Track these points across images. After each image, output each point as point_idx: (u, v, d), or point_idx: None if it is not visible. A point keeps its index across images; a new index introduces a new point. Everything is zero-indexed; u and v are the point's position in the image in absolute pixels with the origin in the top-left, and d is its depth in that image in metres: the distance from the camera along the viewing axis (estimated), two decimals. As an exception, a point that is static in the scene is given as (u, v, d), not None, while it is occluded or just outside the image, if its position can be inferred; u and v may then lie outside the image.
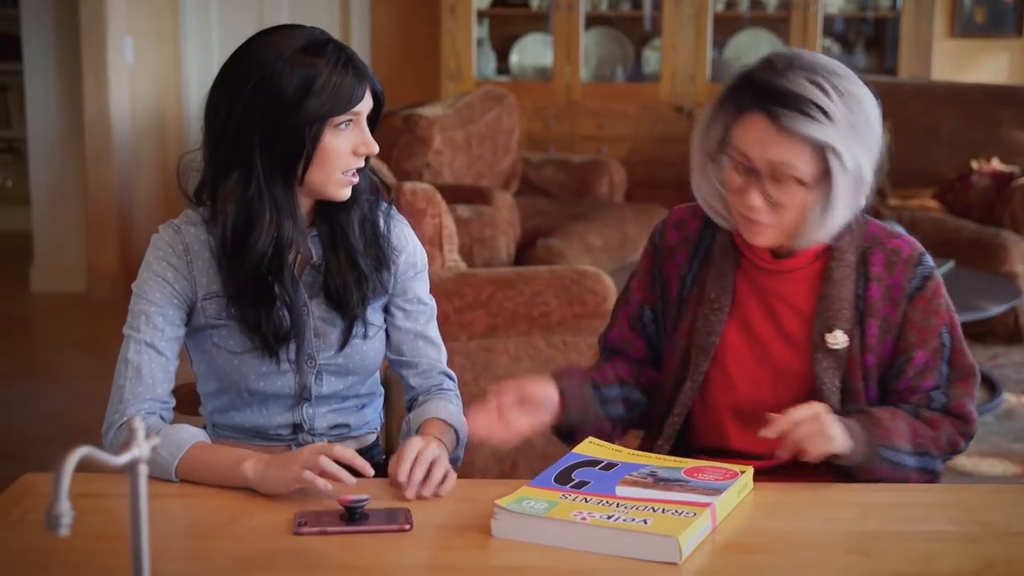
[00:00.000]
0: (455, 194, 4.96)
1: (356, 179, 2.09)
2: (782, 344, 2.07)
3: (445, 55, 7.43)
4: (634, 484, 1.86)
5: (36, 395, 5.30)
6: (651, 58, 7.70)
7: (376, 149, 2.08)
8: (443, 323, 3.85)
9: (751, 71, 2.02)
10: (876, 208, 6.30)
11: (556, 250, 5.53)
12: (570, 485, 1.85)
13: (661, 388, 2.18)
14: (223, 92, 2.06)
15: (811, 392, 2.02)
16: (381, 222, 2.19)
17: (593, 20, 7.63)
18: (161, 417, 2.09)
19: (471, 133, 6.09)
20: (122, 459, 1.23)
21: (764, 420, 1.91)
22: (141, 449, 1.21)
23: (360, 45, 7.93)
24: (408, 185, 3.97)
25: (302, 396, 2.16)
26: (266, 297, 2.07)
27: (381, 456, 2.31)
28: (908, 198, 6.63)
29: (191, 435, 2.01)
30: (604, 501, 1.79)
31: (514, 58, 7.78)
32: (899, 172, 6.81)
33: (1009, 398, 5.22)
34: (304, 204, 2.11)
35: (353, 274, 2.12)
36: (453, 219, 4.19)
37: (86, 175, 6.70)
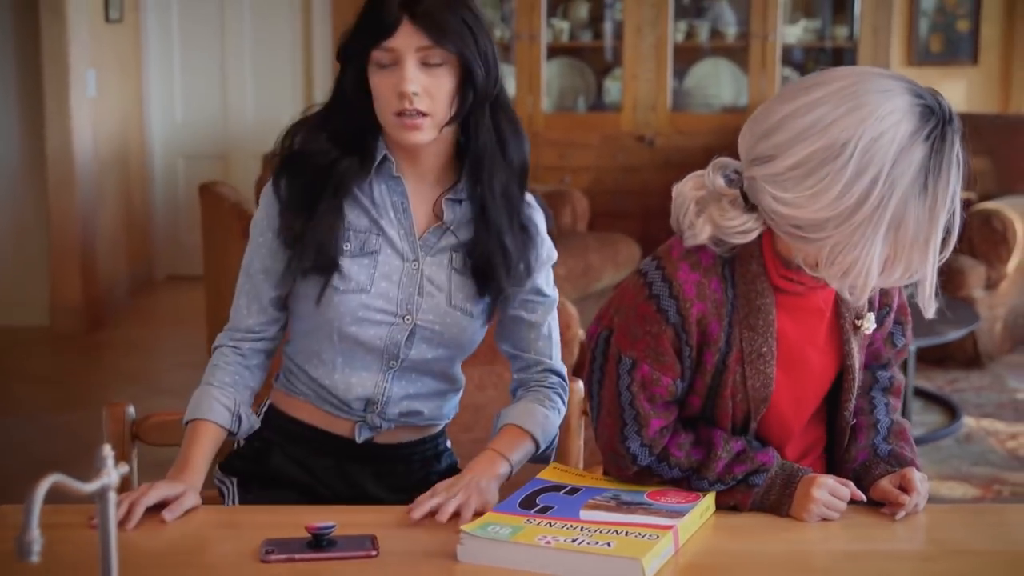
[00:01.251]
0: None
1: (416, 122, 1.98)
2: (818, 353, 1.98)
3: (408, 86, 7.46)
4: (598, 508, 1.88)
5: (1, 429, 5.27)
6: (612, 88, 7.76)
7: (410, 90, 1.95)
8: (408, 352, 3.88)
9: None
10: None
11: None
12: (535, 510, 1.87)
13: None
14: None
15: (836, 380, 2.00)
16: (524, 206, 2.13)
17: (554, 51, 7.69)
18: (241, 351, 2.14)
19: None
20: (92, 486, 1.25)
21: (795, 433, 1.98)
22: (111, 477, 1.22)
23: (323, 76, 7.95)
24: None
25: (390, 357, 2.10)
26: (308, 211, 2.03)
27: (445, 444, 2.27)
28: (867, 225, 6.69)
29: (205, 410, 2.07)
30: (568, 525, 1.81)
31: (476, 89, 7.82)
32: (858, 199, 6.89)
33: (968, 422, 5.28)
34: (425, 152, 2.06)
35: (499, 249, 2.08)
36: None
37: (49, 208, 6.69)
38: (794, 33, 7.75)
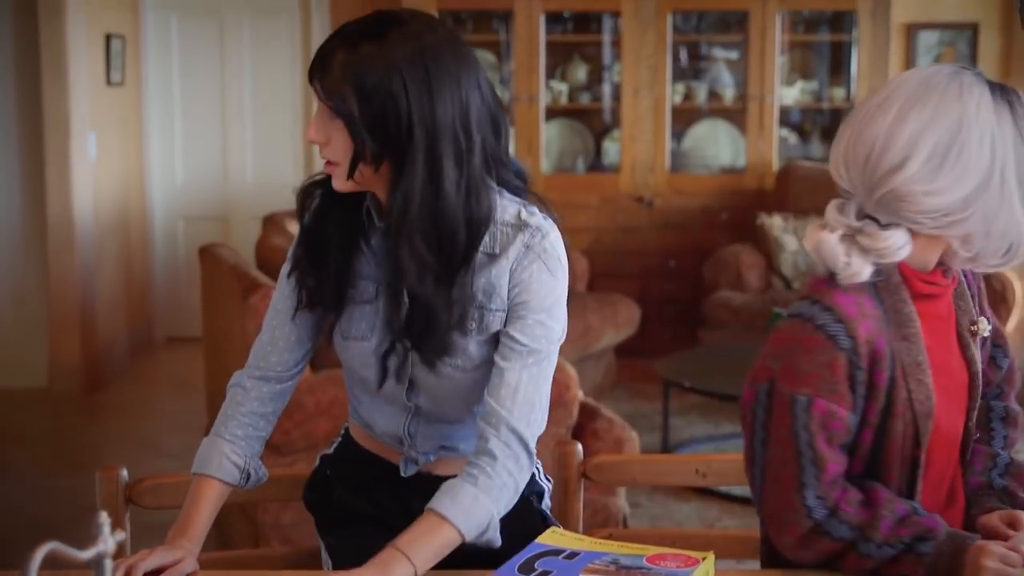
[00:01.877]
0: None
1: (329, 169, 1.95)
2: (955, 360, 1.97)
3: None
4: (597, 572, 1.86)
5: (-4, 492, 5.26)
6: (611, 149, 7.81)
7: (310, 136, 1.94)
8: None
9: None
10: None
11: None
12: (534, 574, 1.85)
13: (887, 472, 1.94)
14: None
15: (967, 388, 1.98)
16: (512, 255, 1.98)
17: (553, 112, 7.74)
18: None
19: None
20: (88, 554, 1.24)
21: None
22: (107, 544, 1.21)
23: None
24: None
25: (403, 402, 2.07)
26: (317, 260, 2.03)
27: (545, 508, 2.18)
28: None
29: (208, 463, 2.06)
30: (567, 590, 1.79)
31: (476, 150, 7.85)
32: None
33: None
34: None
35: (423, 304, 1.96)
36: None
37: (48, 268, 6.70)
38: (791, 94, 7.80)
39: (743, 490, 4.89)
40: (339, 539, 2.16)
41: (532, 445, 1.98)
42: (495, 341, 2.01)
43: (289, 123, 8.08)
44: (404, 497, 2.12)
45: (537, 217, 2.00)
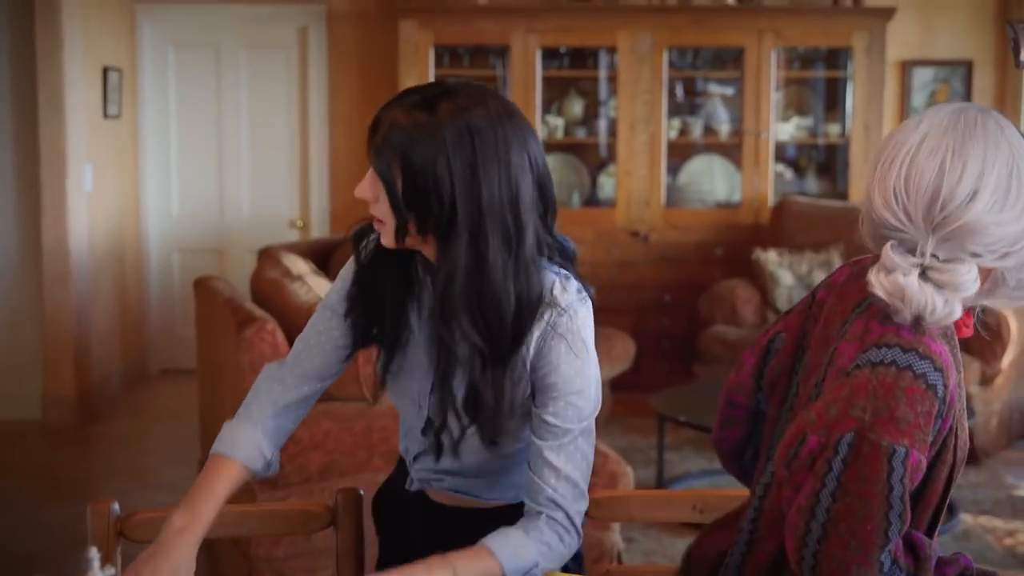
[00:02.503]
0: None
1: (378, 226, 1.97)
2: None
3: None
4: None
5: (-12, 524, 5.23)
6: (607, 184, 7.82)
7: (358, 192, 1.95)
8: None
9: None
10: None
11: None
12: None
13: (921, 515, 1.91)
14: None
15: None
16: (536, 333, 1.98)
17: (549, 147, 7.76)
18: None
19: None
20: (78, 589, 1.23)
21: None
22: (97, 578, 1.21)
23: (319, 172, 8.00)
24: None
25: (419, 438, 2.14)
26: (370, 301, 2.08)
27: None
28: (861, 320, 6.70)
29: (231, 446, 2.09)
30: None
31: (472, 184, 7.87)
32: (852, 295, 6.91)
33: (966, 519, 5.24)
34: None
35: (454, 384, 2.00)
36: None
37: (43, 300, 6.69)
38: (786, 130, 7.83)
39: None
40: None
41: (579, 522, 2.01)
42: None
43: (285, 157, 8.08)
44: (430, 527, 2.20)
45: (570, 295, 1.99)
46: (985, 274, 1.80)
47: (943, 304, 1.76)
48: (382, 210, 1.93)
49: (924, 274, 1.77)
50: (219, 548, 4.37)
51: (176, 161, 8.08)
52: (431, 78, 7.45)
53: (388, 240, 1.95)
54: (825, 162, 8.02)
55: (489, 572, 1.94)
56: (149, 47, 7.98)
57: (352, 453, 3.85)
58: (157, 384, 7.94)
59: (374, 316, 2.07)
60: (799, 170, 8.00)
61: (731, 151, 7.79)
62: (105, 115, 7.24)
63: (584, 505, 2.02)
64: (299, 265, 4.96)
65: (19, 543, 4.96)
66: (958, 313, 1.78)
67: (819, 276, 7.13)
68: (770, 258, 7.15)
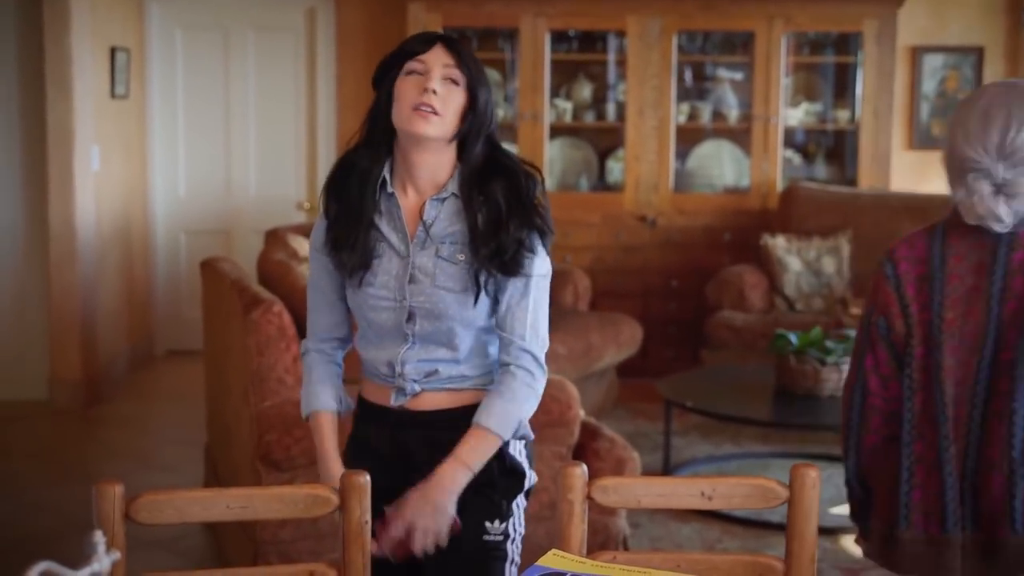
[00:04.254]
0: (420, 302, 4.95)
1: (427, 115, 2.39)
2: None
3: (411, 164, 7.49)
4: (599, 596, 1.84)
5: (-6, 504, 5.23)
6: (615, 168, 7.80)
7: (431, 84, 2.39)
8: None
9: None
10: (838, 317, 6.36)
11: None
12: (535, 597, 1.83)
13: None
14: None
15: None
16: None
17: (557, 131, 7.73)
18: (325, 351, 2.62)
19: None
20: (82, 573, 1.22)
21: None
22: (102, 563, 1.19)
23: (326, 153, 7.99)
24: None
25: (400, 333, 2.47)
26: (345, 233, 2.48)
27: (515, 455, 2.53)
28: (869, 307, 6.68)
29: (314, 402, 2.58)
30: (568, 613, 1.78)
31: (479, 167, 7.85)
32: (860, 281, 6.89)
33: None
34: (415, 158, 2.45)
35: (483, 234, 2.43)
36: (418, 327, 4.19)
37: (50, 282, 6.68)
38: (796, 116, 7.79)
39: (744, 512, 4.87)
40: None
41: (542, 358, 2.47)
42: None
43: (292, 138, 8.07)
44: (392, 432, 2.52)
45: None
46: None
47: (1011, 212, 2.30)
48: (447, 104, 2.40)
49: (998, 191, 2.31)
50: (225, 530, 4.37)
51: (183, 142, 8.06)
52: (439, 61, 7.42)
53: (439, 130, 2.41)
54: (834, 148, 7.99)
55: (492, 446, 2.42)
56: (157, 27, 7.96)
57: (358, 436, 3.84)
58: (163, 365, 7.94)
59: (354, 245, 2.47)
60: (808, 156, 7.97)
61: (740, 136, 7.76)
62: (113, 95, 7.23)
63: (547, 346, 2.49)
64: (306, 247, 4.95)
65: (24, 524, 4.96)
66: None
67: (827, 262, 7.11)
68: (778, 244, 7.13)
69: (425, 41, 2.44)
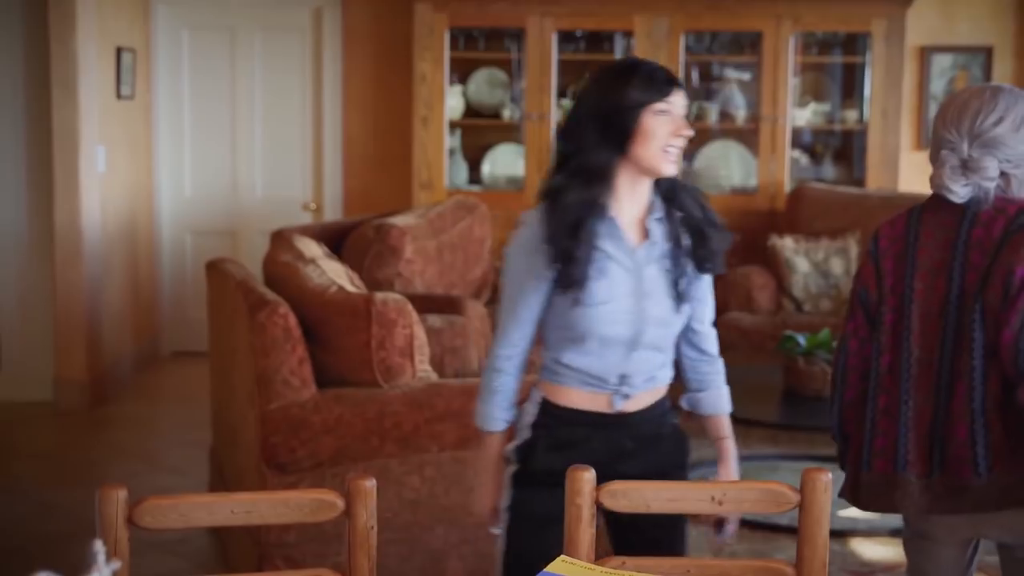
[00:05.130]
0: (426, 304, 4.95)
1: (675, 157, 2.62)
2: None
3: (417, 165, 7.48)
4: (608, 602, 1.82)
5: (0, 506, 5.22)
6: (622, 169, 7.76)
7: (688, 132, 2.62)
8: (413, 434, 3.83)
9: None
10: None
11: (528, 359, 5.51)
12: (543, 604, 1.81)
13: None
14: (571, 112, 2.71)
15: None
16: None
17: (564, 131, 7.69)
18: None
19: (443, 242, 6.10)
20: (82, 581, 1.20)
21: None
22: (101, 573, 1.17)
23: (332, 154, 7.98)
24: (379, 295, 3.96)
25: (632, 343, 2.66)
26: (568, 251, 2.62)
27: (669, 402, 2.82)
28: (878, 308, 6.65)
29: (496, 423, 2.74)
30: (578, 620, 1.75)
31: (486, 168, 7.84)
32: (869, 282, 6.85)
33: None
34: (637, 186, 2.66)
35: (703, 241, 2.72)
36: (424, 329, 4.17)
37: (55, 283, 6.66)
38: (804, 116, 7.77)
39: (754, 516, 4.84)
40: (532, 494, 2.71)
41: None
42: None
43: (299, 139, 8.05)
44: (607, 433, 2.70)
45: None
46: (1007, 179, 2.58)
47: (968, 186, 2.56)
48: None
49: (964, 166, 2.56)
50: (229, 533, 4.35)
51: (189, 143, 8.05)
52: (446, 61, 7.41)
53: (675, 167, 2.65)
54: (842, 148, 7.96)
55: (730, 421, 2.91)
56: (163, 28, 7.94)
57: (364, 439, 3.82)
58: (169, 366, 7.92)
59: (576, 260, 2.60)
60: (816, 156, 7.94)
61: (747, 137, 7.73)
62: (118, 96, 7.21)
63: None
64: (312, 248, 4.93)
65: (30, 526, 4.95)
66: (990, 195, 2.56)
67: (835, 263, 7.07)
68: (786, 245, 7.10)
69: (670, 82, 2.62)
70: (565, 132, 2.71)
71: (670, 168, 2.63)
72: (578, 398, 2.70)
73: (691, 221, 2.72)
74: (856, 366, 2.72)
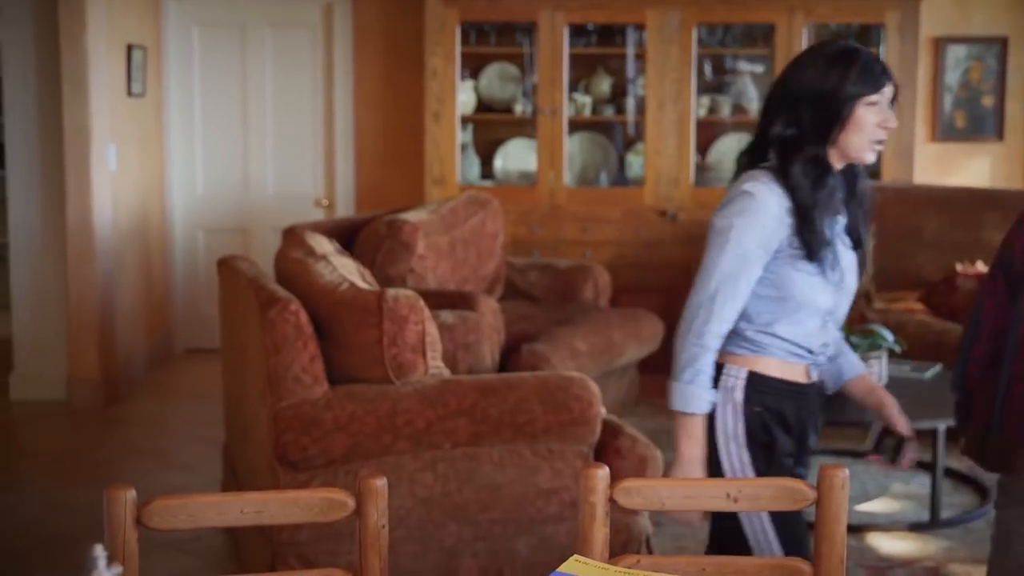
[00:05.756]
0: (439, 300, 4.92)
1: (882, 148, 2.71)
2: None
3: (429, 160, 7.45)
4: (623, 602, 1.80)
5: (12, 506, 5.20)
6: (635, 163, 7.73)
7: (894, 124, 2.69)
8: (426, 431, 3.81)
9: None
10: (861, 311, 6.29)
11: (541, 355, 5.49)
12: (557, 604, 1.79)
13: None
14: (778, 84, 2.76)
15: None
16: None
17: (576, 125, 7.67)
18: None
19: (455, 238, 6.07)
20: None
21: None
22: (103, 577, 1.15)
23: (344, 150, 7.96)
24: (391, 292, 3.93)
25: (832, 313, 2.78)
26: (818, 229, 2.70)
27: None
28: (893, 301, 6.62)
29: (704, 404, 2.74)
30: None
31: (498, 163, 7.81)
32: (884, 275, 6.82)
33: (1001, 504, 5.16)
34: (837, 166, 2.74)
35: (862, 220, 2.84)
36: (436, 325, 4.15)
37: (68, 281, 6.66)
38: (817, 108, 7.71)
39: (768, 510, 4.81)
40: (778, 471, 2.76)
41: None
42: None
43: (310, 135, 8.03)
44: (805, 403, 2.81)
45: None
46: None
47: None
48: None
49: None
50: (242, 531, 4.33)
51: (201, 140, 8.03)
52: (457, 56, 7.38)
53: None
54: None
55: None
56: (174, 25, 7.93)
57: (376, 436, 3.80)
58: (182, 364, 7.92)
59: (817, 232, 2.67)
60: (830, 149, 7.89)
61: (761, 130, 7.68)
62: (129, 93, 7.20)
63: None
64: (324, 244, 4.91)
65: (43, 525, 4.94)
66: None
67: (850, 256, 7.03)
68: (800, 238, 7.05)
69: (884, 72, 2.67)
70: (772, 108, 2.75)
71: (872, 157, 2.72)
72: (780, 368, 2.76)
73: (860, 201, 2.83)
74: (990, 324, 2.73)
